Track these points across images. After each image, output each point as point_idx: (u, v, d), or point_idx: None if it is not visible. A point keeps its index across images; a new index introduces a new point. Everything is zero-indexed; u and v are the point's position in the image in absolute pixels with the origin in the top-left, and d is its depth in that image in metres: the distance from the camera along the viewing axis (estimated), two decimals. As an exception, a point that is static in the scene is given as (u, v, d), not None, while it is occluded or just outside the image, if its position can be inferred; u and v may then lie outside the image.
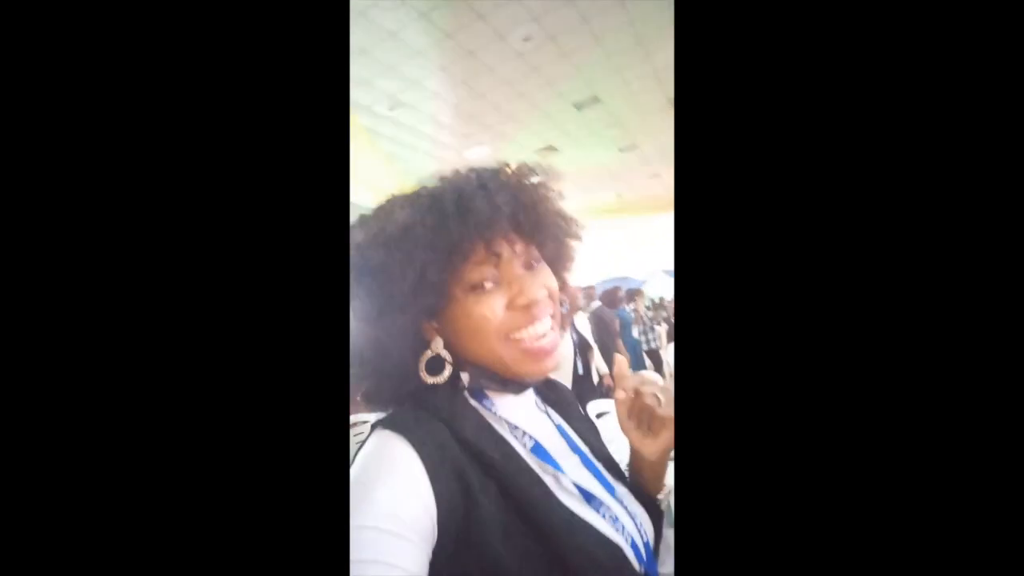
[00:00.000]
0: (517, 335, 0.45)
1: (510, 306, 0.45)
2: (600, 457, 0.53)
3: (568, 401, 0.58)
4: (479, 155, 4.84)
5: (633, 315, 4.29)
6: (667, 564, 0.48)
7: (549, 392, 0.57)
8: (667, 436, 0.50)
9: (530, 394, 0.53)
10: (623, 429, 0.53)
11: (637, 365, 3.92)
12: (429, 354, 0.46)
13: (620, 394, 0.50)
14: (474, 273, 0.45)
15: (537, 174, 0.50)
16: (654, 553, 0.47)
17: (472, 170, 0.49)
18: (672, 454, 0.52)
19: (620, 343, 3.97)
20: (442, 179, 0.48)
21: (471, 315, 0.44)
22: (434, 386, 0.45)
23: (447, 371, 0.46)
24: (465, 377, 0.47)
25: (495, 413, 0.47)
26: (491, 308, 0.44)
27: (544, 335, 0.46)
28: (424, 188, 0.48)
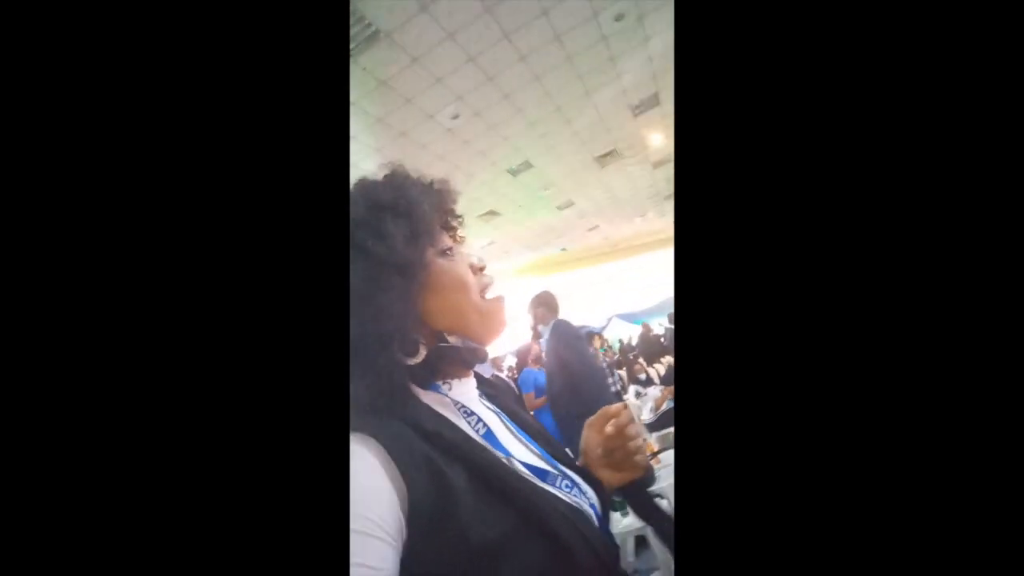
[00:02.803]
0: (486, 294, 0.52)
1: (472, 269, 0.52)
2: (545, 443, 0.56)
3: (505, 395, 0.60)
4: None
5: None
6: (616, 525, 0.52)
7: (490, 389, 0.59)
8: (631, 475, 0.55)
9: (473, 386, 0.55)
10: (590, 448, 0.56)
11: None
12: (403, 338, 0.47)
13: (610, 429, 0.54)
14: (441, 241, 0.51)
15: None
16: (601, 514, 0.50)
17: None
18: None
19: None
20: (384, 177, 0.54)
21: (451, 274, 0.50)
22: (382, 390, 0.45)
23: (422, 351, 0.47)
24: (444, 341, 0.50)
25: (448, 396, 0.49)
26: (462, 269, 0.51)
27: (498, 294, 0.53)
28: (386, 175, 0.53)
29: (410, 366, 0.47)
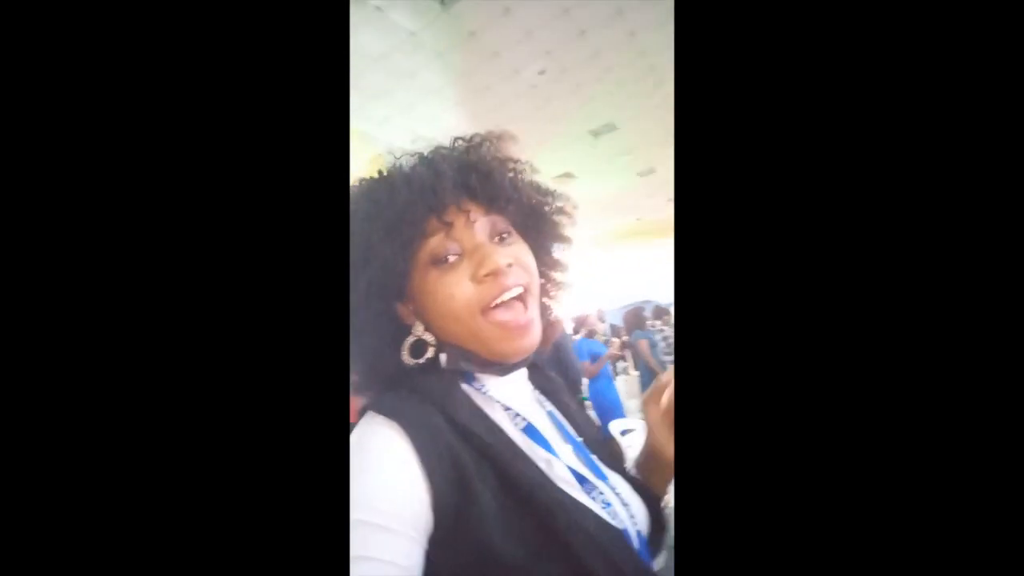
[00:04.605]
0: (490, 309, 0.43)
1: (474, 278, 0.43)
2: (594, 446, 0.51)
3: (561, 390, 0.56)
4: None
5: (660, 334, 4.23)
6: (662, 558, 0.46)
7: (542, 380, 0.55)
8: None
9: (523, 379, 0.52)
10: (655, 424, 0.52)
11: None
12: (412, 339, 0.45)
13: (665, 399, 0.50)
14: (431, 245, 0.43)
15: (490, 143, 0.49)
16: (648, 543, 0.45)
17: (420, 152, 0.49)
18: None
19: (653, 361, 3.92)
20: (395, 163, 0.49)
21: (436, 291, 0.43)
22: (424, 368, 0.44)
23: (429, 352, 0.45)
24: (443, 358, 0.45)
25: (486, 394, 0.45)
26: (455, 283, 0.43)
27: (515, 308, 0.44)
28: (380, 172, 0.48)
29: (420, 363, 0.44)
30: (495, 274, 0.43)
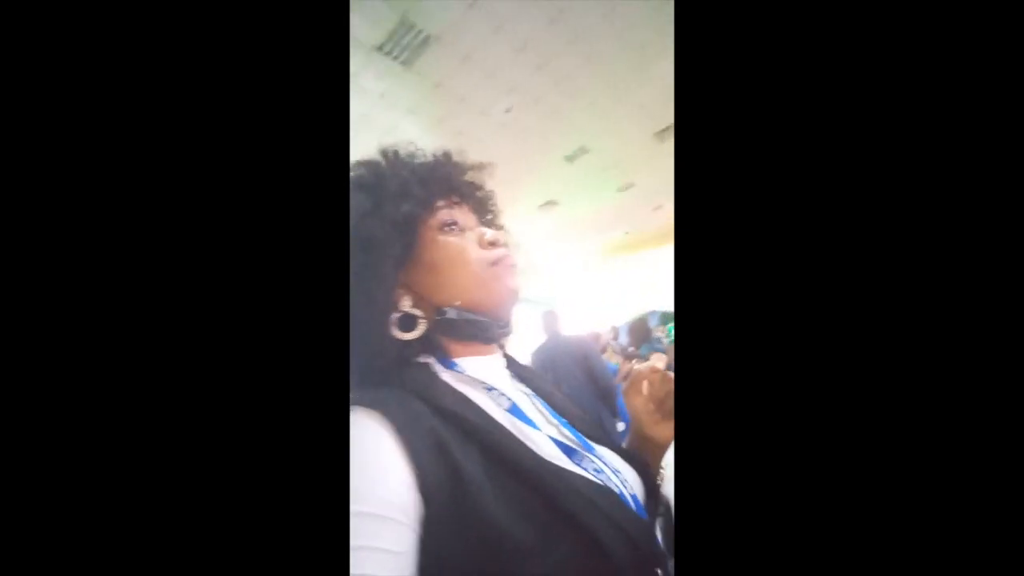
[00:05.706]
0: (494, 263, 0.51)
1: (479, 243, 0.51)
2: (578, 423, 0.53)
3: (539, 377, 0.59)
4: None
5: (668, 342, 4.22)
6: (659, 523, 0.47)
7: (520, 369, 0.58)
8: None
9: (501, 366, 0.54)
10: (639, 412, 0.56)
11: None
12: (397, 314, 0.47)
13: (645, 388, 0.55)
14: (442, 213, 0.51)
15: (464, 160, 0.58)
16: (644, 507, 0.45)
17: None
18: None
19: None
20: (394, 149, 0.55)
21: (448, 246, 0.50)
22: (404, 363, 0.47)
23: (420, 326, 0.47)
24: (450, 312, 0.49)
25: (468, 375, 0.47)
26: (464, 244, 0.50)
27: (507, 256, 0.52)
28: (383, 153, 0.54)
29: (409, 341, 0.46)
30: (495, 243, 0.52)
